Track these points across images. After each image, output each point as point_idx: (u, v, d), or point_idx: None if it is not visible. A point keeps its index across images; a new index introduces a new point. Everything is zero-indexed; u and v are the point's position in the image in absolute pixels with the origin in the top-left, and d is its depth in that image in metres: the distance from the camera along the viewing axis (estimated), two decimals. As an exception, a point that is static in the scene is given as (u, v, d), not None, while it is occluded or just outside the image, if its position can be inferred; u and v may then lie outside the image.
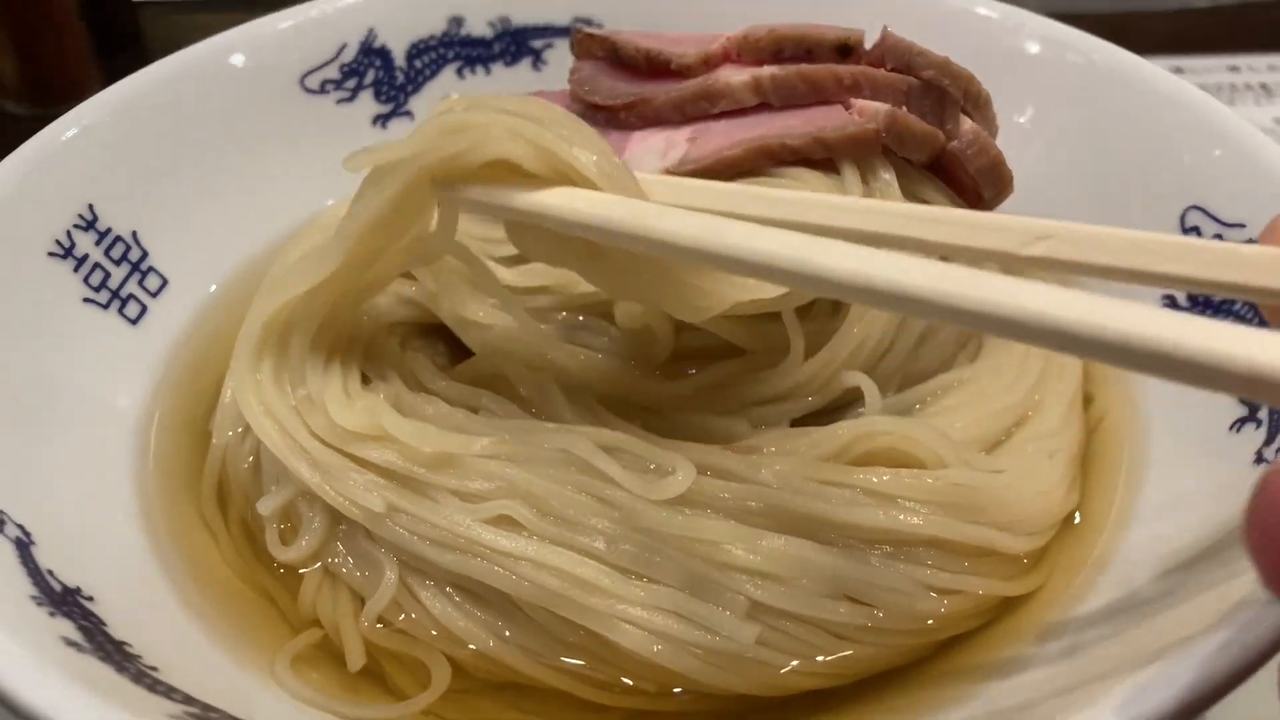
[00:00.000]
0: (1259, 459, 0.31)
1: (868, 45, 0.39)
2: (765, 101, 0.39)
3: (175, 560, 0.33)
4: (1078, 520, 0.36)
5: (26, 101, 0.75)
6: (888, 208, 0.28)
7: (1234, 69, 0.77)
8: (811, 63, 0.38)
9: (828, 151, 0.37)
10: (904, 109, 0.37)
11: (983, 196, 0.38)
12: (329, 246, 0.33)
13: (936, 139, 0.37)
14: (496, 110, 0.31)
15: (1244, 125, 0.39)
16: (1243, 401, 0.33)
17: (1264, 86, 0.75)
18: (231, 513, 0.36)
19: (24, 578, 0.28)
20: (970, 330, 0.38)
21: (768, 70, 0.39)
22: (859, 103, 0.37)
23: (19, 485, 0.31)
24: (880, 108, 0.37)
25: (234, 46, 0.46)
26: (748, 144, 0.36)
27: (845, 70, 0.38)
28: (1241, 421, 0.33)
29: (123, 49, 0.82)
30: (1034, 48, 0.45)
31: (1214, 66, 0.78)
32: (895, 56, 0.38)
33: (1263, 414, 0.32)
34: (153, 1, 0.88)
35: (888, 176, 0.37)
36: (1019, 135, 0.43)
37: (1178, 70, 0.77)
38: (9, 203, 0.37)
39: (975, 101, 0.38)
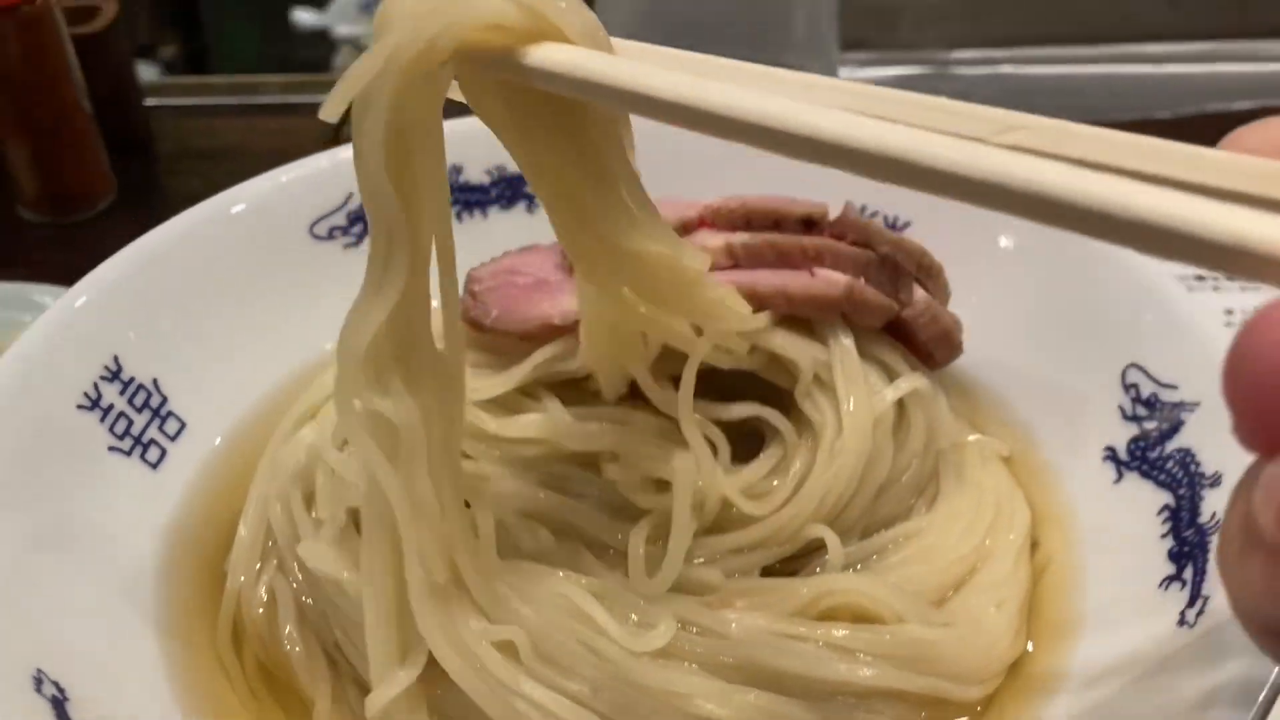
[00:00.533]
0: (1181, 620, 0.34)
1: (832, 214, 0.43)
2: (737, 264, 0.43)
3: (194, 704, 0.36)
4: (1029, 649, 0.39)
5: (45, 211, 0.79)
6: (861, 89, 0.27)
7: (1192, 182, 0.81)
8: (780, 232, 0.42)
9: (790, 307, 0.41)
10: (862, 280, 0.40)
11: (935, 358, 0.42)
12: (376, 223, 0.32)
13: (890, 309, 0.40)
14: None
15: (1179, 294, 0.42)
16: (1171, 559, 0.37)
17: (1221, 200, 0.79)
18: (246, 654, 0.39)
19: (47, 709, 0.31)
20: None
21: (740, 237, 0.43)
22: (822, 272, 0.41)
23: (53, 640, 0.34)
24: (840, 279, 0.40)
25: (242, 198, 0.49)
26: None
27: (810, 242, 0.41)
28: (1169, 579, 0.36)
29: (134, 152, 0.86)
30: None
31: (1174, 179, 0.81)
32: (855, 231, 0.41)
33: (1187, 574, 0.35)
34: (162, 106, 0.92)
35: (847, 342, 0.40)
36: (975, 289, 0.47)
37: (1139, 184, 0.81)
38: (40, 362, 0.41)
39: (928, 272, 0.42)
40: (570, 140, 0.33)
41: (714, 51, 0.88)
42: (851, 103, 0.26)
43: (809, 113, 0.25)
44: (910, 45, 0.94)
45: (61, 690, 0.32)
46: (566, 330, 0.42)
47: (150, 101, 0.89)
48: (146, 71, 1.37)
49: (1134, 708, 0.34)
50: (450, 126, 0.53)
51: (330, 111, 0.30)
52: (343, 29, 1.76)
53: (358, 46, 1.78)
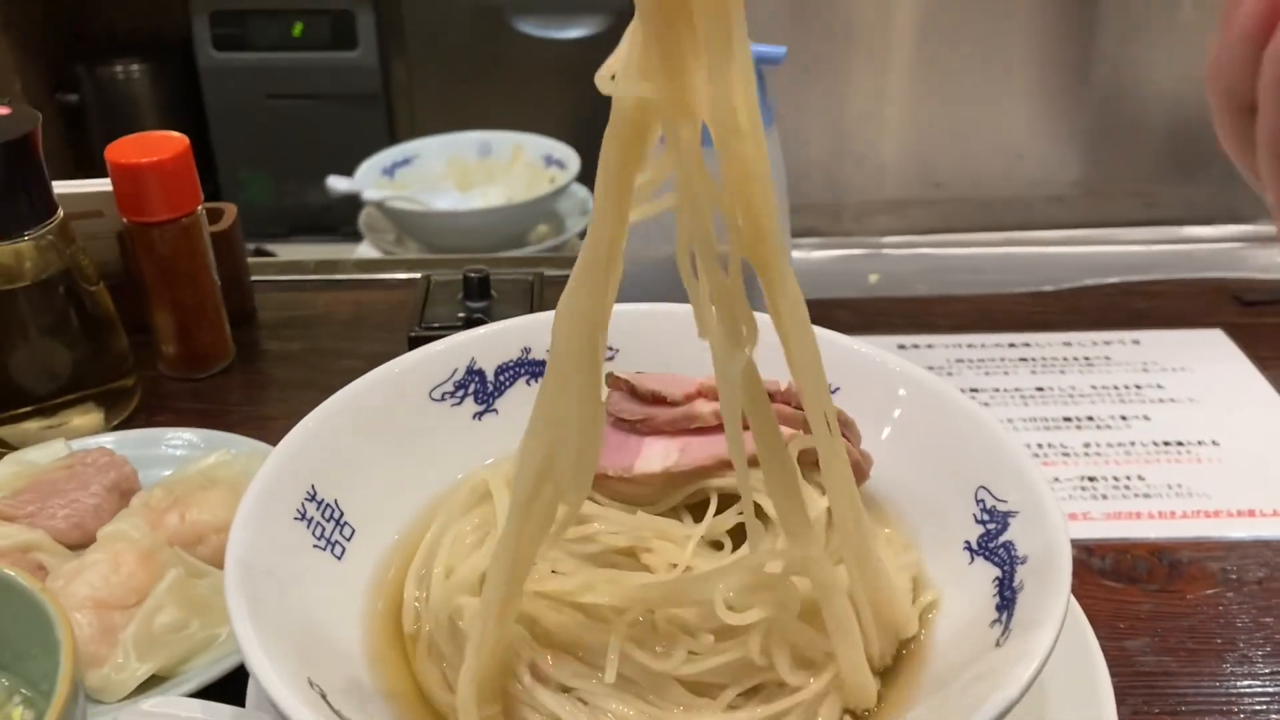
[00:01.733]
0: (997, 643, 0.56)
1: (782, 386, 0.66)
2: (721, 425, 0.65)
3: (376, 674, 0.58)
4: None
5: (181, 370, 1.02)
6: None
7: (1067, 344, 1.06)
8: (751, 402, 0.65)
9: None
10: (801, 432, 0.63)
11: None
12: None
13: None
14: None
15: (1009, 436, 0.65)
16: (995, 609, 0.58)
17: (1087, 359, 1.03)
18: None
19: (320, 699, 0.52)
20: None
21: (725, 404, 0.65)
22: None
23: (309, 656, 0.55)
24: (787, 432, 0.63)
25: (391, 369, 0.71)
26: (713, 458, 0.62)
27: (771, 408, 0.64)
28: (994, 621, 0.58)
29: (245, 321, 1.09)
30: (894, 369, 0.71)
31: (1053, 341, 1.06)
32: (796, 400, 0.64)
33: (1003, 618, 0.57)
34: (262, 281, 1.15)
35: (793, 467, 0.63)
36: (881, 433, 0.69)
37: (1026, 345, 1.05)
38: (269, 492, 0.62)
39: (845, 425, 0.65)
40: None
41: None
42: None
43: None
44: (849, 233, 1.19)
45: (323, 692, 0.53)
46: (615, 480, 0.64)
47: (254, 277, 1.13)
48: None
49: (964, 690, 0.55)
50: (521, 321, 0.76)
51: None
52: (370, 194, 2.02)
53: (381, 209, 2.03)
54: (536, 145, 2.17)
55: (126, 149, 0.93)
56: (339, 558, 0.64)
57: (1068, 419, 0.95)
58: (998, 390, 0.99)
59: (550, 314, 0.76)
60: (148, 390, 1.00)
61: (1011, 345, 1.04)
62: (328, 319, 1.10)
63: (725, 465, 0.63)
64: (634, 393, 0.68)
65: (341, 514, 0.66)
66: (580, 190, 2.11)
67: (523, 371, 0.76)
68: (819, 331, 0.74)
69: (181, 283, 0.97)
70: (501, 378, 0.75)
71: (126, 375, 0.97)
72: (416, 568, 0.64)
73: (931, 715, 0.55)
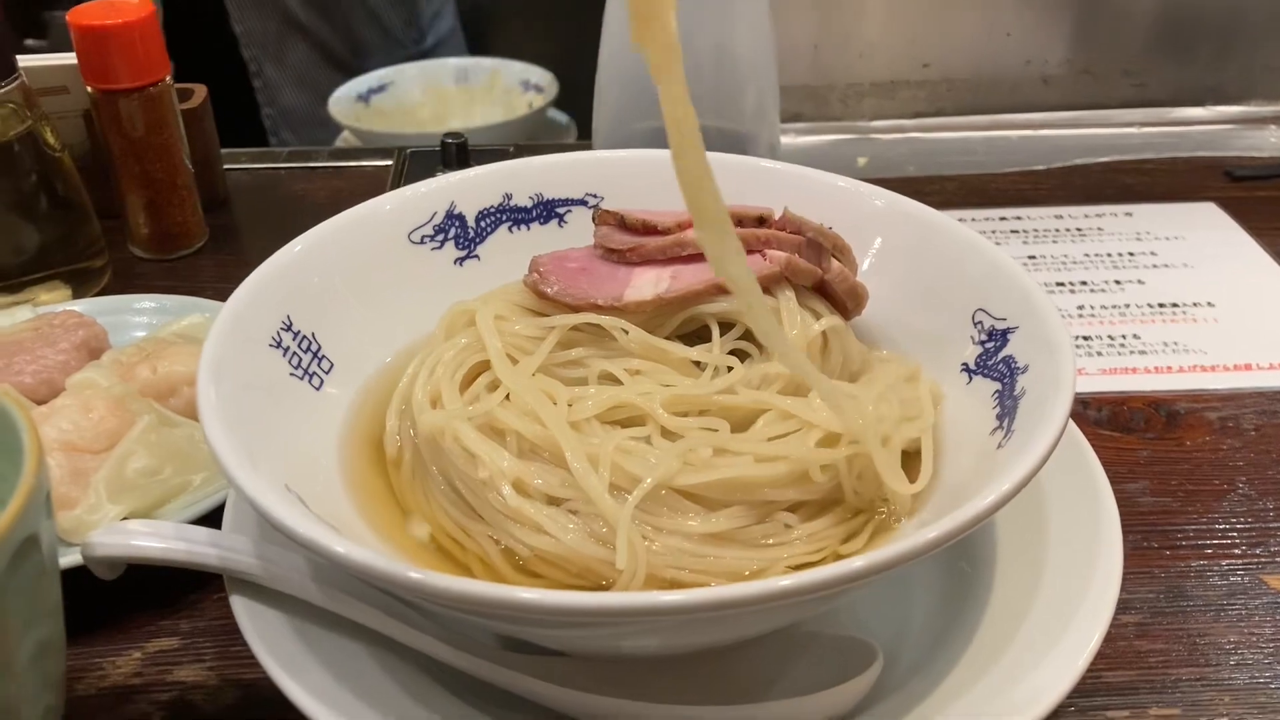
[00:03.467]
0: (999, 445, 0.54)
1: (776, 215, 0.64)
2: (715, 250, 0.63)
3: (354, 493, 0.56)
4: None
5: (153, 249, 0.99)
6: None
7: (1059, 217, 1.04)
8: (741, 227, 0.63)
9: (752, 281, 0.61)
10: (797, 255, 0.61)
11: (848, 308, 0.63)
12: None
13: (816, 274, 0.61)
14: None
15: (1006, 257, 0.63)
16: (996, 419, 0.57)
17: (1079, 230, 1.01)
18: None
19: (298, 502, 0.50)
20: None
21: (716, 230, 0.63)
22: (770, 252, 0.61)
23: (289, 467, 0.53)
24: (781, 255, 0.61)
25: (368, 208, 0.69)
26: (706, 283, 0.60)
27: (762, 232, 0.62)
28: (995, 429, 0.56)
29: (218, 206, 1.06)
30: (878, 204, 0.69)
31: (1044, 215, 1.04)
32: (791, 224, 0.62)
33: (1004, 424, 0.56)
34: (236, 169, 1.12)
35: (789, 294, 0.61)
36: (868, 262, 0.67)
37: (1018, 219, 1.03)
38: (244, 315, 0.60)
39: (840, 250, 0.62)
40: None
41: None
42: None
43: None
44: (838, 118, 1.17)
45: (301, 498, 0.51)
46: (606, 309, 0.62)
47: (227, 166, 1.09)
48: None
49: (970, 482, 0.53)
50: (502, 166, 0.74)
51: None
52: (343, 119, 1.98)
53: (355, 132, 2.00)
54: (514, 70, 2.13)
55: (90, 13, 0.89)
56: (317, 389, 0.62)
57: (1060, 284, 0.94)
58: (989, 260, 0.97)
59: (529, 160, 0.75)
60: (118, 270, 0.97)
61: (1003, 219, 1.03)
62: (302, 205, 1.08)
63: (719, 289, 0.61)
64: (623, 224, 0.66)
65: (319, 347, 0.63)
66: (559, 115, 2.08)
67: (505, 218, 0.74)
68: (800, 169, 0.74)
69: (152, 155, 0.94)
70: (483, 223, 0.73)
71: (97, 255, 0.94)
72: (398, 397, 0.62)
73: (934, 517, 0.53)
